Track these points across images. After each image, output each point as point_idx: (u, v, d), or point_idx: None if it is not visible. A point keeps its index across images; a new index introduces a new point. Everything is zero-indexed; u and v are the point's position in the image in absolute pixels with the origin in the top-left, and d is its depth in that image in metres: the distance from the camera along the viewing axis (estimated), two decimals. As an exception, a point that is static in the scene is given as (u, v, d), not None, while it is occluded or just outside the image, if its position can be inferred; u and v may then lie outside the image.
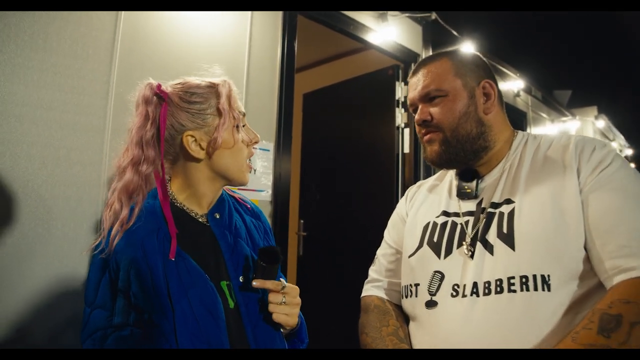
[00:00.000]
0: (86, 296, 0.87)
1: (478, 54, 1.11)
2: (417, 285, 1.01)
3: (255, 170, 1.95)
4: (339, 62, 3.58)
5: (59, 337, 1.28)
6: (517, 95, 4.02)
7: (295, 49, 2.12)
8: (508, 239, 0.92)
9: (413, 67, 2.75)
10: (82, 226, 1.37)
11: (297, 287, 0.95)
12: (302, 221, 3.24)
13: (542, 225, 0.89)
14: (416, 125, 1.09)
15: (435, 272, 0.98)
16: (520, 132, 1.09)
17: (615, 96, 5.40)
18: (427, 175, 2.76)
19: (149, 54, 1.58)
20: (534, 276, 0.86)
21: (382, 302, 1.10)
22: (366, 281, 1.19)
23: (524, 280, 0.87)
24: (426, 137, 1.06)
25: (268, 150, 2.02)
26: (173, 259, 0.86)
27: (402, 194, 2.75)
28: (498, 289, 0.88)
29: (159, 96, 0.92)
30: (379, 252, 1.19)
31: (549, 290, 0.85)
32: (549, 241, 0.88)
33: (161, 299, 0.83)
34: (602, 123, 5.52)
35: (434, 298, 0.96)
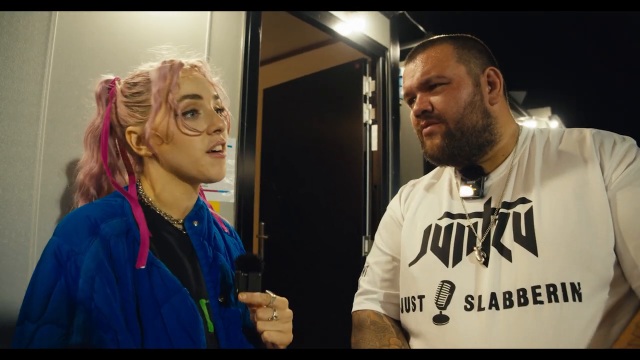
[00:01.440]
0: (29, 309, 0.66)
1: (479, 40, 0.99)
2: (421, 297, 0.88)
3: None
4: (302, 56, 3.42)
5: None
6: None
7: (260, 37, 1.94)
8: (528, 242, 0.80)
9: (381, 61, 2.68)
10: (9, 236, 1.13)
11: (284, 298, 0.80)
12: (262, 223, 3.07)
13: (567, 226, 0.79)
14: (413, 117, 0.96)
15: (444, 282, 0.85)
16: (524, 126, 0.98)
17: (568, 97, 5.58)
18: (397, 174, 2.66)
19: (89, 38, 1.36)
20: (563, 285, 0.75)
21: (379, 318, 0.96)
22: (357, 293, 1.04)
23: (551, 289, 0.76)
24: (426, 130, 0.93)
25: (230, 147, 1.83)
26: (144, 267, 0.70)
27: (370, 194, 2.69)
28: (522, 300, 0.77)
29: (108, 92, 0.82)
30: (370, 259, 1.05)
31: (580, 300, 0.74)
32: (577, 244, 0.77)
33: (128, 316, 0.67)
34: (555, 124, 5.69)
35: (443, 312, 0.83)
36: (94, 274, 0.66)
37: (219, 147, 0.80)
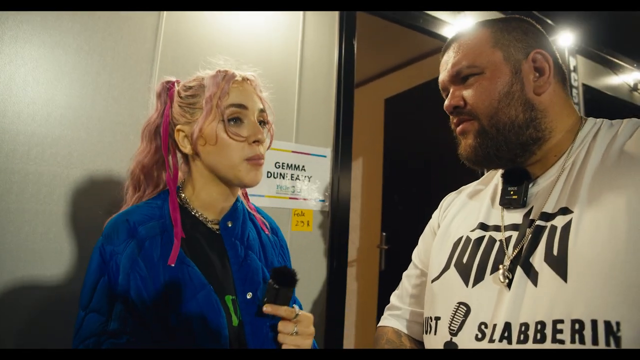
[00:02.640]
0: (81, 298, 0.81)
1: (527, 19, 0.84)
2: (437, 319, 0.78)
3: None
4: (421, 64, 3.31)
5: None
6: (635, 89, 3.32)
7: (355, 46, 1.95)
8: (558, 264, 0.65)
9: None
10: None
11: (311, 315, 0.85)
12: (384, 234, 3.03)
13: (611, 248, 0.61)
14: (449, 115, 0.86)
15: (460, 303, 0.75)
16: (591, 119, 0.80)
17: None
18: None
19: (190, 56, 1.54)
20: (594, 322, 0.59)
21: (398, 337, 0.88)
22: (386, 307, 0.97)
23: (576, 326, 0.60)
24: (459, 128, 0.83)
25: (325, 157, 1.87)
26: (174, 265, 0.79)
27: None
28: (538, 335, 0.62)
29: (168, 92, 0.91)
30: (405, 272, 0.97)
31: (617, 345, 0.57)
32: (620, 272, 0.60)
33: (158, 309, 0.76)
34: None
35: (454, 339, 0.73)
36: (129, 271, 0.77)
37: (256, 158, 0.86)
